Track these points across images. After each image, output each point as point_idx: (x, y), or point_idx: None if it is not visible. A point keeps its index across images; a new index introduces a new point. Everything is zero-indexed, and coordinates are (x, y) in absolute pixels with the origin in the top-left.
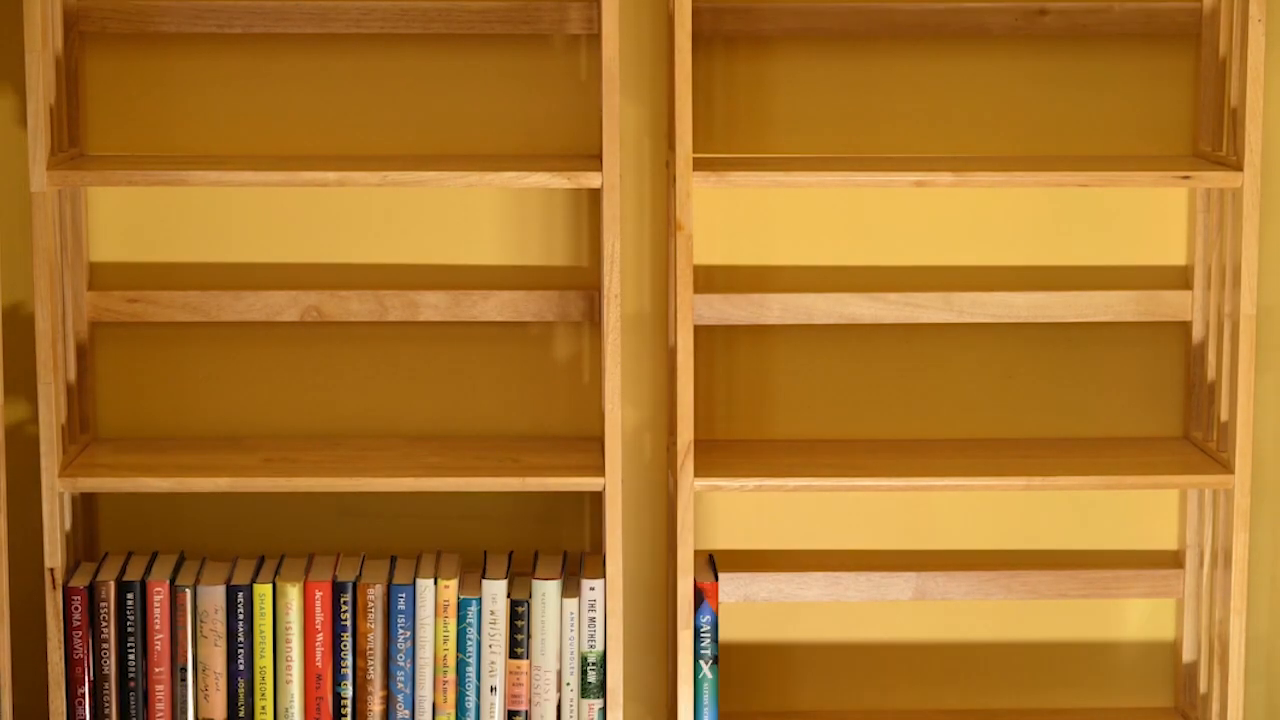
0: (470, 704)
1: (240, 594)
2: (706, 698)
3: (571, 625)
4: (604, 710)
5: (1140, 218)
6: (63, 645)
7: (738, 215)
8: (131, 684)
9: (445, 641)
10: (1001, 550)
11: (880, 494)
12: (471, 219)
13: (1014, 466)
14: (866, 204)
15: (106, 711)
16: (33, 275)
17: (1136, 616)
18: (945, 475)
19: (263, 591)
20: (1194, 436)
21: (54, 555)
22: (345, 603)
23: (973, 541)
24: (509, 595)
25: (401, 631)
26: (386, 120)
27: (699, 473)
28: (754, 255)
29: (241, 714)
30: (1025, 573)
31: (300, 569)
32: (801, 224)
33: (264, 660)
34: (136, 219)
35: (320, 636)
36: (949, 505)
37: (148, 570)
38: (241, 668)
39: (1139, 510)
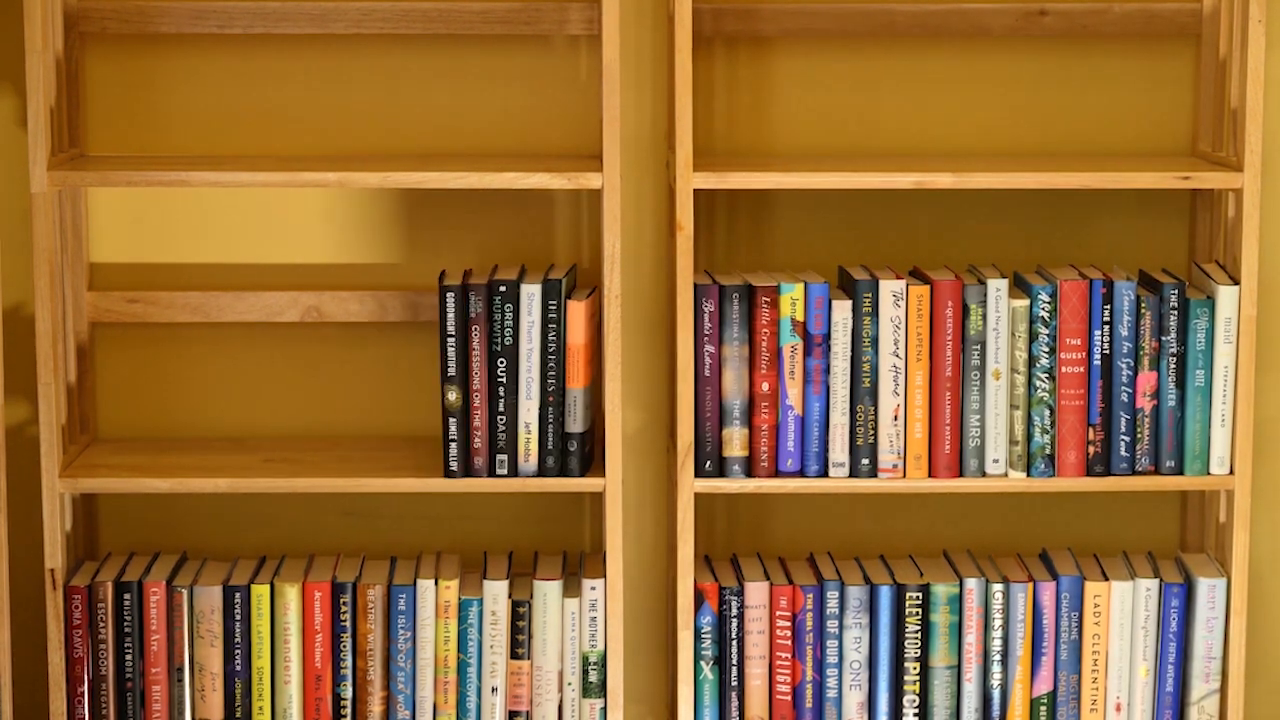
0: (471, 704)
1: (237, 594)
2: (707, 698)
3: (573, 625)
4: (605, 710)
5: (1140, 218)
6: (63, 645)
7: (737, 215)
8: (129, 684)
9: (446, 642)
10: (1003, 551)
11: (881, 496)
12: (471, 219)
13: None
14: (866, 204)
15: (104, 711)
16: (33, 275)
17: None
18: (944, 478)
19: (260, 592)
20: None
21: (54, 556)
22: (344, 603)
23: (971, 542)
24: (510, 596)
25: (402, 632)
26: (386, 120)
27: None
28: (754, 255)
29: (238, 715)
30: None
31: (300, 569)
32: (801, 223)
33: (261, 661)
34: (136, 219)
35: (319, 637)
36: (947, 505)
37: (146, 571)
38: (239, 668)
39: (1139, 510)
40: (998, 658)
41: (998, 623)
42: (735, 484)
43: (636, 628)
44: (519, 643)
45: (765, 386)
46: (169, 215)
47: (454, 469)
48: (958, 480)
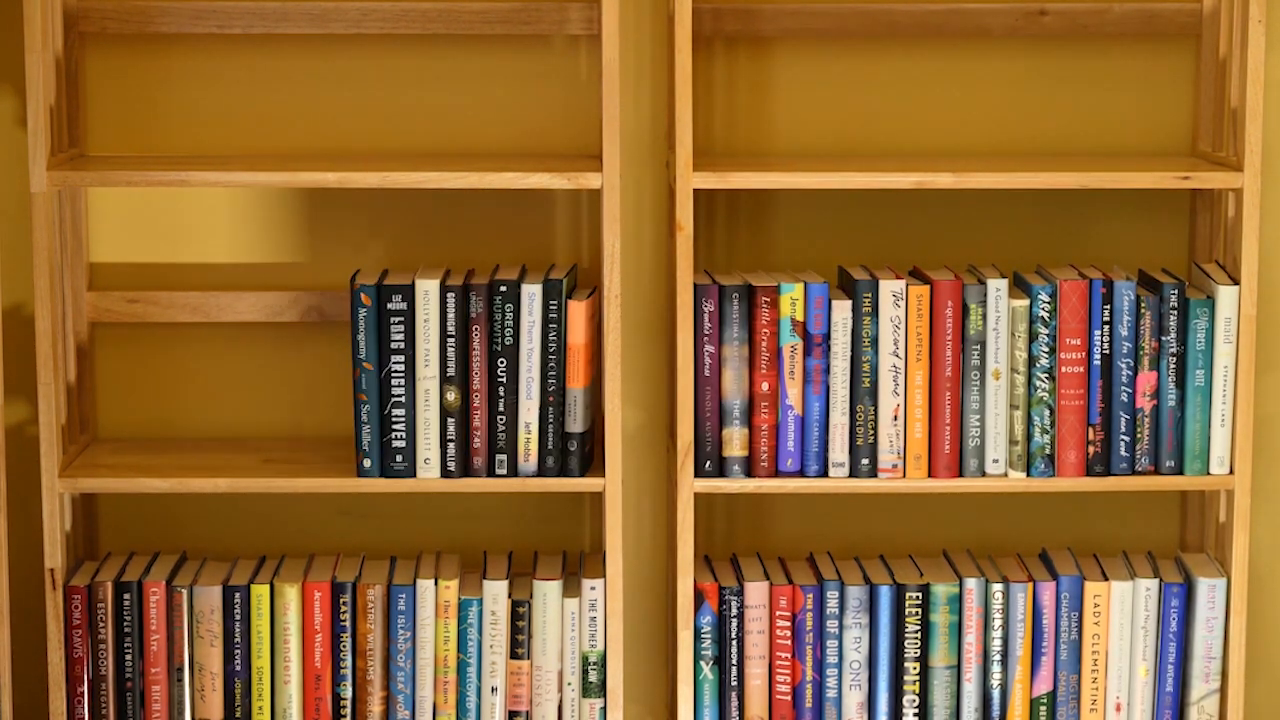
0: (471, 704)
1: (237, 594)
2: (707, 698)
3: (572, 625)
4: (605, 710)
5: (1140, 218)
6: (63, 645)
7: (737, 215)
8: (129, 684)
9: (446, 642)
10: (1003, 551)
11: (881, 496)
12: (471, 219)
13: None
14: (866, 204)
15: (104, 711)
16: (33, 275)
17: None
18: (944, 478)
19: (260, 592)
20: None
21: (54, 555)
22: (344, 603)
23: (971, 542)
24: (510, 595)
25: (401, 632)
26: (386, 120)
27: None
28: (754, 255)
29: (238, 715)
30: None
31: (300, 569)
32: (802, 223)
33: (261, 661)
34: (136, 219)
35: (319, 637)
36: (947, 505)
37: (145, 571)
38: (238, 668)
39: (1139, 510)
40: (997, 658)
41: (997, 623)
42: (735, 484)
43: (636, 628)
44: (519, 643)
45: (765, 386)
46: (169, 215)
47: (453, 469)
48: (957, 480)
